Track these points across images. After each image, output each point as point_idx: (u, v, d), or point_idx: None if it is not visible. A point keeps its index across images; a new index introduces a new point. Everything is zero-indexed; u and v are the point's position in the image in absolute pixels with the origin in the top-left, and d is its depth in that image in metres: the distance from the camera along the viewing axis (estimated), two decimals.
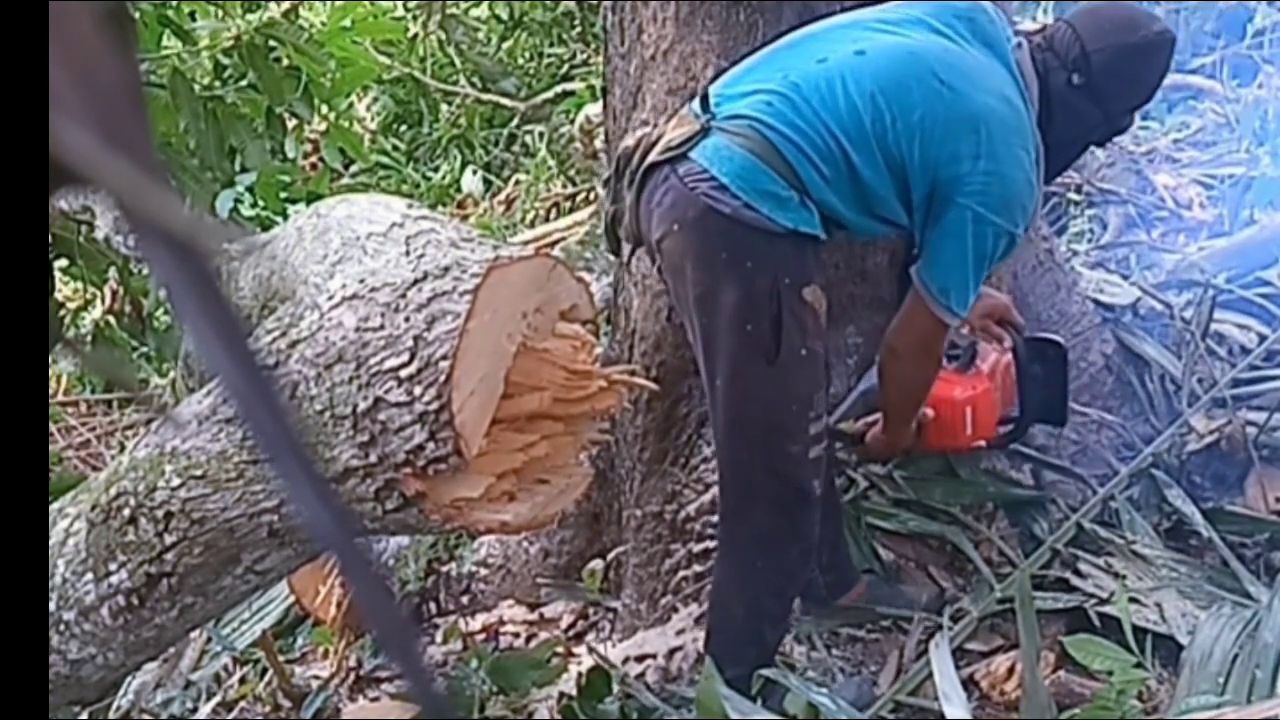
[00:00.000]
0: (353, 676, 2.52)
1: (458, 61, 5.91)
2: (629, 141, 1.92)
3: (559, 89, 5.66)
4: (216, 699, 2.60)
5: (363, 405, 1.73)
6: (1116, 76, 1.90)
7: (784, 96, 1.79)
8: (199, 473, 1.81)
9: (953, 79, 1.78)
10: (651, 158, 1.83)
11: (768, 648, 1.99)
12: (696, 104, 1.86)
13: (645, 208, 1.86)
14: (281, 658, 2.62)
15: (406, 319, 1.76)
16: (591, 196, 4.79)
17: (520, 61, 6.12)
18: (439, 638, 2.58)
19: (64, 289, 4.18)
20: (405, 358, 1.73)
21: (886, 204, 1.83)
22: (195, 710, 2.57)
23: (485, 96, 5.79)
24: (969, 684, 2.04)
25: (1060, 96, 1.89)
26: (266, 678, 2.59)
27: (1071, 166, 2.13)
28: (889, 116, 1.76)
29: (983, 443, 2.25)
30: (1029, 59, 1.90)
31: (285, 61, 3.41)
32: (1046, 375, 2.28)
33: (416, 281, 1.81)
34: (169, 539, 1.82)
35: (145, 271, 3.32)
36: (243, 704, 2.58)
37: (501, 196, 5.42)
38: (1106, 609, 2.15)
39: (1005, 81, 1.84)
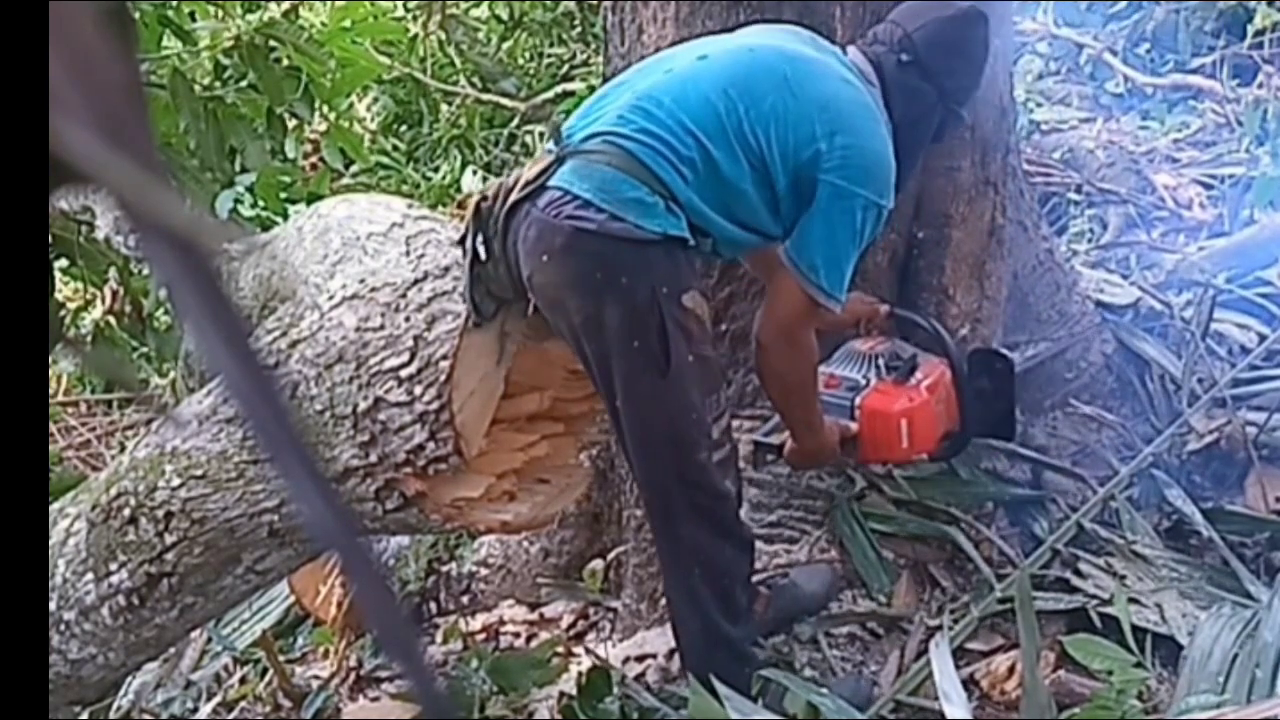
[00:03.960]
0: (353, 676, 2.52)
1: (458, 62, 5.91)
2: (488, 193, 1.86)
3: (559, 89, 5.65)
4: (216, 699, 2.61)
5: (363, 405, 1.73)
6: (940, 48, 1.98)
7: (635, 107, 1.81)
8: (199, 473, 1.81)
9: (795, 67, 1.85)
10: (511, 199, 1.80)
11: (737, 646, 1.98)
12: (550, 143, 1.86)
13: (513, 251, 1.80)
14: (281, 658, 2.62)
15: (407, 319, 1.76)
16: None
17: (520, 61, 6.11)
18: (439, 638, 2.58)
19: (64, 289, 4.18)
20: (405, 358, 1.73)
21: (749, 204, 1.84)
22: (195, 710, 2.58)
23: (485, 96, 5.78)
24: (969, 683, 2.04)
25: (894, 79, 1.96)
26: (266, 678, 2.59)
27: (919, 164, 2.10)
28: (742, 107, 1.80)
29: (924, 455, 2.21)
30: (860, 55, 1.98)
31: (285, 62, 3.40)
32: (994, 389, 2.24)
33: (417, 281, 1.82)
34: (169, 539, 1.83)
35: (145, 271, 3.32)
36: (243, 704, 2.58)
37: None
38: (1106, 609, 2.15)
39: (845, 69, 1.92)
